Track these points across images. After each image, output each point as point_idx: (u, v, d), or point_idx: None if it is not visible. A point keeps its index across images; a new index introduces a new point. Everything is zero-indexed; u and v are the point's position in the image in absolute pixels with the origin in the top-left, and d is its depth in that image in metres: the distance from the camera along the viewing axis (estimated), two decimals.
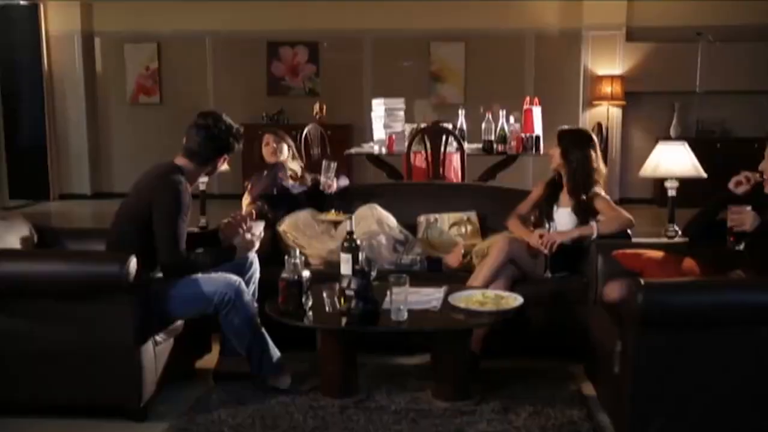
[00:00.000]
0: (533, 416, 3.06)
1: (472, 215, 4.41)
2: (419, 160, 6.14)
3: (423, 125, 6.46)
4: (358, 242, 3.27)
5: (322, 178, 4.51)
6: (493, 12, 9.40)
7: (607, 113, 9.13)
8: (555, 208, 3.94)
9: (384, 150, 6.45)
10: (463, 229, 4.37)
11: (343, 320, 3.07)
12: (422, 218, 4.44)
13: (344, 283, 3.05)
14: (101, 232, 3.85)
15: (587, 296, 3.59)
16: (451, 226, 4.38)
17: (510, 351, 3.73)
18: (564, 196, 3.93)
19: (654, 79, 9.09)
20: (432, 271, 3.95)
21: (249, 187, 4.55)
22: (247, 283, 3.54)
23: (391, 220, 4.25)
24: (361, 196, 4.57)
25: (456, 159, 5.91)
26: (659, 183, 8.71)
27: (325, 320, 3.13)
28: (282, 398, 3.25)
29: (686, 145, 4.51)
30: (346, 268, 3.25)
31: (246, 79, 9.88)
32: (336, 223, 4.37)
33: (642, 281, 2.66)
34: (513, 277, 3.74)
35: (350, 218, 3.27)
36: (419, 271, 3.95)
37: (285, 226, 4.32)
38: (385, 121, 6.49)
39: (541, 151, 6.31)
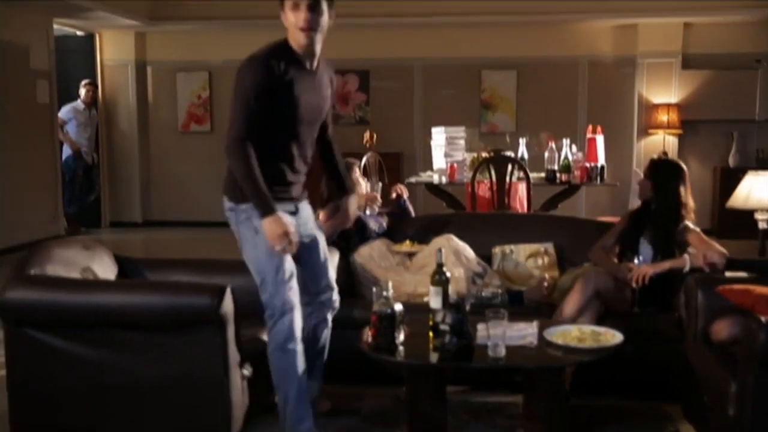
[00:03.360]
0: None
1: (549, 247, 4.31)
2: (482, 190, 6.06)
3: (485, 154, 6.41)
4: (448, 275, 3.18)
5: (368, 210, 4.44)
6: (546, 39, 9.35)
7: (664, 142, 8.98)
8: (641, 240, 3.82)
9: (445, 179, 6.38)
10: (540, 261, 4.27)
11: (437, 356, 2.98)
12: (497, 249, 4.35)
13: (438, 318, 2.96)
14: (181, 263, 3.84)
15: (681, 332, 3.46)
16: (527, 257, 4.28)
17: (599, 388, 3.61)
18: (651, 229, 3.82)
19: (711, 107, 8.94)
20: (513, 304, 3.85)
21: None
22: (318, 327, 3.34)
23: (468, 251, 4.17)
24: (433, 226, 4.50)
25: (521, 188, 5.82)
26: (717, 213, 8.58)
27: (419, 356, 3.04)
28: None
29: None
30: (435, 302, 3.16)
31: None
32: (411, 254, 4.29)
33: (763, 319, 2.54)
34: (599, 311, 3.62)
35: (439, 251, 3.19)
36: (500, 304, 3.85)
37: (359, 257, 4.25)
38: (445, 149, 6.42)
39: (606, 181, 6.22)
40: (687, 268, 3.56)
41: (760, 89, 8.81)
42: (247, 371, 3.16)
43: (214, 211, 9.94)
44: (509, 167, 5.74)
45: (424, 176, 6.93)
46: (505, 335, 2.88)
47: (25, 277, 3.13)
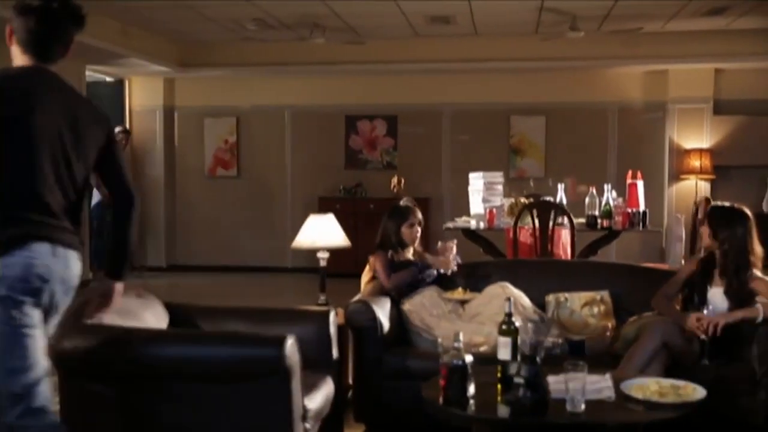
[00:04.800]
0: None
1: (605, 294, 4.20)
2: (524, 236, 5.97)
3: (523, 199, 6.34)
4: (518, 324, 3.07)
5: (443, 259, 4.35)
6: (575, 85, 9.35)
7: (696, 187, 8.90)
8: (708, 288, 3.71)
9: (483, 224, 6.29)
10: (596, 309, 4.16)
11: (509, 410, 2.86)
12: (551, 297, 4.25)
13: (512, 370, 2.85)
14: (232, 311, 3.75)
15: (753, 386, 3.33)
16: (582, 306, 4.17)
17: None
18: (717, 277, 3.71)
19: (743, 153, 8.87)
20: (574, 354, 3.73)
21: (376, 265, 4.33)
22: None
23: (524, 299, 4.06)
24: (483, 273, 4.41)
25: (564, 234, 5.73)
26: None
27: (491, 410, 2.92)
28: None
29: None
30: (504, 353, 3.06)
31: (324, 152, 9.91)
32: (463, 302, 4.19)
33: None
34: (666, 363, 3.50)
35: (508, 299, 3.09)
36: (560, 354, 3.73)
37: (410, 305, 4.16)
38: (483, 194, 6.35)
39: (648, 227, 6.12)
40: (760, 318, 3.44)
41: None
42: (309, 425, 3.04)
43: (241, 255, 10.01)
44: (552, 213, 5.65)
45: (460, 221, 6.84)
46: (584, 389, 2.76)
47: (81, 326, 3.03)
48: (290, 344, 2.90)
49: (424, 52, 8.89)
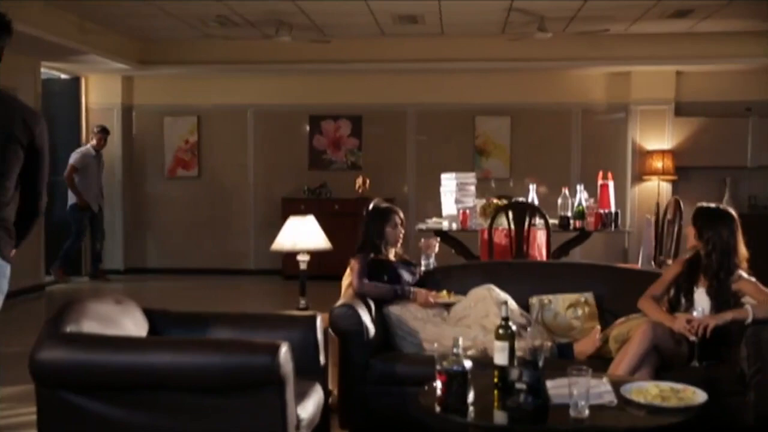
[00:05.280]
0: None
1: (589, 297, 4.18)
2: (498, 237, 5.93)
3: (495, 200, 6.32)
4: (514, 328, 3.02)
5: (423, 260, 4.27)
6: (540, 86, 9.39)
7: (658, 188, 9.01)
8: (695, 290, 3.70)
9: (456, 226, 6.24)
10: (580, 312, 4.13)
11: (508, 416, 2.80)
12: (534, 300, 4.20)
13: (514, 375, 2.79)
14: (214, 317, 3.61)
15: (743, 386, 3.33)
16: (567, 308, 4.14)
17: None
18: (706, 278, 3.70)
19: (704, 154, 9.00)
20: (562, 357, 3.69)
21: (356, 269, 4.22)
22: None
23: (510, 302, 4.00)
24: (466, 276, 4.35)
25: (540, 236, 5.71)
26: None
27: (490, 417, 2.86)
28: None
29: None
30: (501, 358, 2.99)
31: (287, 152, 9.77)
32: (447, 305, 4.12)
33: None
34: (656, 365, 3.48)
35: (505, 303, 3.04)
36: (548, 358, 3.68)
37: (393, 308, 4.07)
38: (456, 195, 6.30)
39: (620, 227, 6.15)
40: (750, 319, 3.45)
41: (751, 136, 8.91)
42: None
43: (202, 258, 9.79)
44: (527, 214, 5.62)
45: (431, 222, 6.78)
46: (588, 394, 2.71)
47: (62, 335, 2.88)
48: (284, 351, 2.79)
49: (390, 51, 8.82)
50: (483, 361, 3.34)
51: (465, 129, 9.57)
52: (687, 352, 3.56)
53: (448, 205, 6.40)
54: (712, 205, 3.85)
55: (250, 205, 9.80)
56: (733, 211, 3.78)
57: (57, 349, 2.84)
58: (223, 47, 8.89)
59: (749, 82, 9.03)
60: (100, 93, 9.72)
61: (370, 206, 4.51)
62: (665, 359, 3.53)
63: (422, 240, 4.34)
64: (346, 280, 4.36)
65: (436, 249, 4.26)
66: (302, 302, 4.35)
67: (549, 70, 9.20)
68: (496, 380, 2.97)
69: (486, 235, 5.80)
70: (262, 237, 9.76)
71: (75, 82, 9.57)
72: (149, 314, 3.48)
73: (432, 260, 4.24)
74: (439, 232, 6.46)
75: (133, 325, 3.32)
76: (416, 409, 3.00)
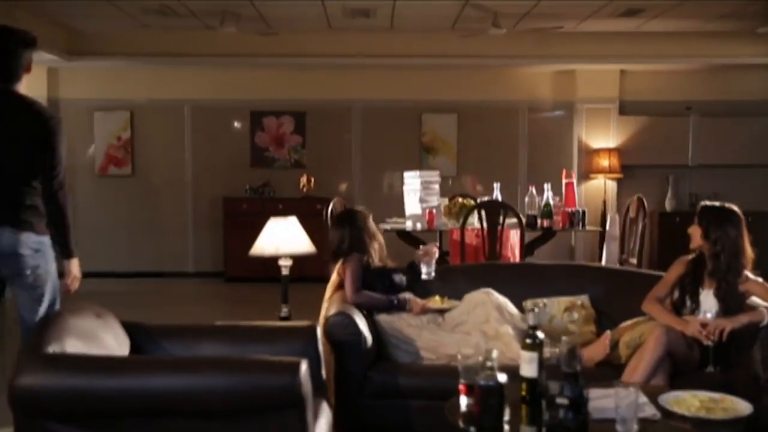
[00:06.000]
0: None
1: (585, 299, 4.04)
2: (469, 237, 5.76)
3: (460, 199, 6.16)
4: (542, 336, 2.82)
5: (424, 268, 4.05)
6: (486, 83, 9.30)
7: (605, 186, 9.05)
8: (701, 291, 3.61)
9: (421, 226, 6.04)
10: (576, 315, 3.99)
11: None
12: (529, 303, 4.04)
13: (554, 390, 2.59)
14: (200, 330, 3.30)
15: (758, 391, 3.24)
16: (564, 311, 3.99)
17: None
18: (708, 279, 3.61)
19: (647, 153, 9.11)
20: None
21: (347, 272, 3.95)
22: None
23: (510, 306, 3.83)
24: (455, 278, 4.15)
25: (514, 235, 5.56)
26: (657, 256, 8.67)
27: None
28: None
29: None
30: (530, 369, 2.79)
31: (227, 150, 9.37)
32: (442, 311, 3.91)
33: None
34: (670, 371, 3.37)
35: (533, 310, 2.83)
36: (556, 365, 3.51)
37: (386, 316, 3.83)
38: (420, 194, 6.10)
39: (587, 227, 6.08)
40: (765, 321, 3.37)
41: (692, 135, 9.06)
42: None
43: (137, 260, 9.28)
44: (501, 213, 5.47)
45: (391, 222, 6.56)
46: (636, 409, 2.54)
47: (44, 356, 2.52)
48: (305, 370, 2.52)
49: (337, 46, 8.55)
50: (470, 366, 3.11)
51: (412, 126, 9.39)
52: (698, 356, 3.45)
53: (412, 205, 6.20)
54: (717, 203, 3.75)
55: (188, 204, 9.36)
56: (738, 210, 3.69)
57: (40, 373, 2.48)
58: (159, 38, 8.43)
59: (689, 81, 9.19)
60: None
61: (343, 211, 4.31)
62: (676, 364, 3.41)
63: (420, 247, 4.11)
64: (332, 284, 4.08)
65: (436, 255, 4.05)
66: (285, 310, 4.06)
67: (496, 67, 9.12)
68: (524, 393, 2.77)
69: (456, 236, 5.61)
70: (201, 238, 9.34)
71: None
72: (128, 328, 3.14)
73: (432, 268, 4.02)
74: (401, 233, 6.27)
75: (115, 340, 2.98)
76: (445, 427, 2.75)
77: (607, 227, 6.21)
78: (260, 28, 8.10)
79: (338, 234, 4.14)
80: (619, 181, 9.15)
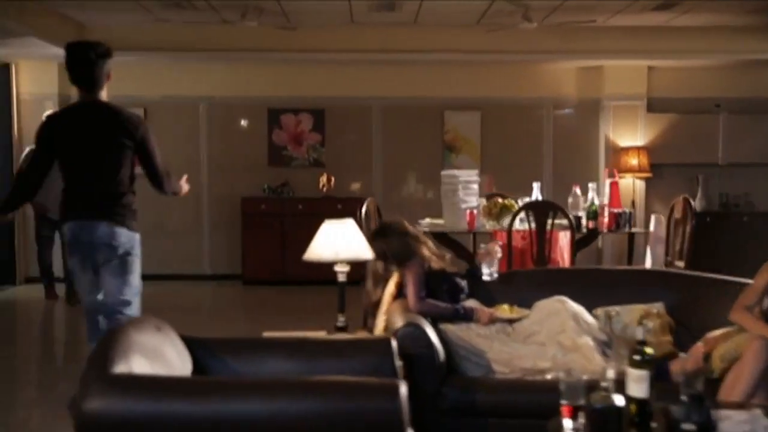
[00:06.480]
0: None
1: (660, 307, 3.78)
2: (514, 239, 5.49)
3: (500, 199, 5.91)
4: (651, 352, 2.57)
5: (486, 269, 3.79)
6: (511, 80, 9.06)
7: (633, 186, 8.81)
8: None
9: (461, 227, 5.79)
10: (650, 324, 3.72)
11: None
12: (600, 311, 3.78)
13: (679, 414, 2.34)
14: (262, 344, 3.03)
15: None
16: (639, 320, 3.73)
17: None
18: None
19: (676, 151, 8.86)
20: (659, 380, 3.26)
21: (408, 279, 3.69)
22: None
23: (586, 315, 3.57)
24: (520, 283, 3.89)
25: (563, 238, 5.31)
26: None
27: None
28: None
29: None
30: (640, 390, 2.54)
31: (244, 148, 9.08)
32: (511, 321, 3.65)
33: None
34: None
35: (641, 325, 2.59)
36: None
37: (452, 325, 3.57)
38: (460, 195, 5.84)
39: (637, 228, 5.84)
40: None
41: (722, 133, 8.82)
42: None
43: (152, 262, 8.92)
44: (550, 215, 5.22)
45: (425, 224, 6.29)
46: None
47: (112, 378, 2.25)
48: (404, 392, 2.25)
49: (359, 41, 8.30)
50: (573, 384, 2.85)
51: (434, 124, 9.13)
52: None
53: (450, 205, 5.94)
54: None
55: (204, 205, 9.07)
56: None
57: (111, 396, 2.21)
58: (174, 33, 8.15)
59: (719, 78, 8.97)
60: (34, 82, 8.78)
61: (379, 226, 4.09)
62: None
63: (481, 246, 3.84)
64: (389, 292, 3.81)
65: (499, 255, 3.78)
66: (341, 320, 3.77)
67: (520, 63, 8.87)
68: (633, 415, 2.52)
69: (500, 238, 5.35)
70: (218, 239, 9.07)
71: (5, 69, 8.60)
72: (187, 341, 2.87)
73: (495, 269, 3.76)
74: (437, 235, 6.01)
75: (178, 356, 2.71)
76: None
77: (651, 228, 5.95)
78: (280, 23, 7.83)
79: (381, 246, 3.89)
80: (647, 180, 8.91)
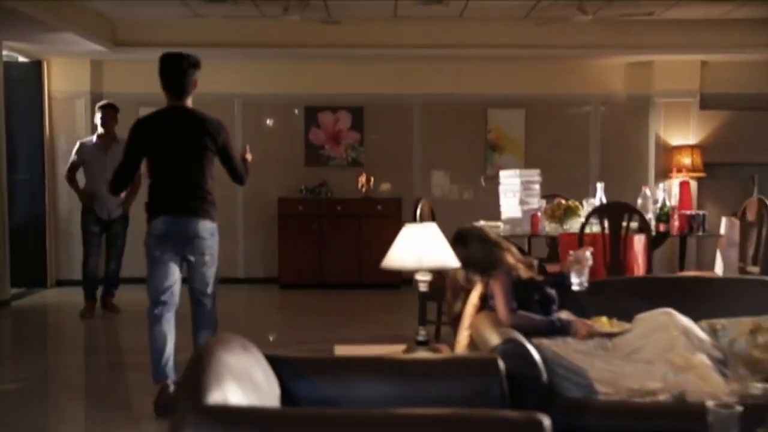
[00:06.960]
0: None
1: None
2: (571, 243, 5.16)
3: (562, 200, 5.59)
4: (707, 363, 2.25)
5: (575, 278, 3.47)
6: (556, 76, 8.73)
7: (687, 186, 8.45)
8: None
9: (524, 230, 5.47)
10: (761, 339, 3.39)
11: None
12: (704, 324, 3.44)
13: None
14: (353, 363, 2.72)
15: None
16: (750, 334, 3.40)
17: None
18: None
19: (730, 150, 8.50)
20: None
21: (495, 290, 3.39)
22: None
23: (697, 330, 3.24)
24: (613, 293, 3.58)
25: (638, 242, 4.97)
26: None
27: None
28: None
29: None
30: None
31: (280, 147, 8.79)
32: (611, 335, 3.33)
33: None
34: None
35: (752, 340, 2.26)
36: (765, 404, 2.93)
37: (547, 340, 3.25)
38: (521, 196, 5.52)
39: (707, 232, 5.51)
40: None
41: None
42: None
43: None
44: (625, 217, 4.89)
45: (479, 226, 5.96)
46: None
47: (206, 410, 1.95)
48: (548, 426, 1.94)
49: (401, 36, 8.00)
50: (725, 416, 2.54)
51: (476, 122, 8.81)
52: None
53: (510, 207, 5.63)
54: None
55: (239, 206, 8.79)
56: None
57: (207, 429, 1.91)
58: (209, 28, 7.88)
59: None
60: (66, 79, 8.54)
61: (457, 233, 3.75)
62: None
63: (571, 253, 3.53)
64: (471, 303, 3.50)
65: (590, 262, 3.46)
66: (422, 333, 3.46)
67: (566, 59, 8.54)
68: None
69: (568, 242, 5.02)
70: (253, 241, 8.79)
71: (36, 66, 8.36)
72: (272, 361, 2.57)
73: (585, 278, 3.44)
74: None
75: (266, 380, 2.42)
76: None
77: (723, 231, 5.60)
78: (322, 17, 7.53)
79: (463, 254, 3.60)
80: (699, 180, 8.54)
